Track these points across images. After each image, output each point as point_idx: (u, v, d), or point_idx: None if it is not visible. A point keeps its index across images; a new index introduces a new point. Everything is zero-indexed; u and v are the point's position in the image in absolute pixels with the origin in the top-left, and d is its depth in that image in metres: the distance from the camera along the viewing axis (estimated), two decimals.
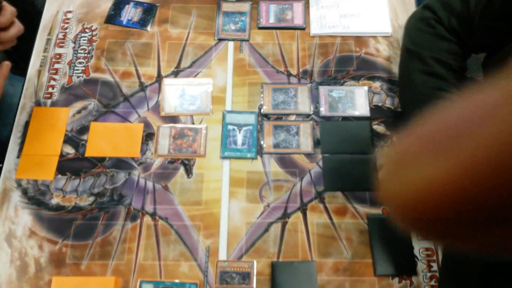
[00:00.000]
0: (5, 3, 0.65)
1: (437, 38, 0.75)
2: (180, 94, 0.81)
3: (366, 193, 0.73)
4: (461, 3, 0.73)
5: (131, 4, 0.90)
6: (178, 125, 0.78)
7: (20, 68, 0.87)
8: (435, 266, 0.68)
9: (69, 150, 0.76)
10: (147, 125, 0.78)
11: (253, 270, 0.67)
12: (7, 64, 0.65)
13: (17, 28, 0.68)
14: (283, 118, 0.79)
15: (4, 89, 0.94)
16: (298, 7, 0.89)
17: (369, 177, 0.74)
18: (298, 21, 0.88)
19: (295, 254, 0.69)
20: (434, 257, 0.68)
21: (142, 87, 0.82)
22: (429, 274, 0.67)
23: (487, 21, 0.71)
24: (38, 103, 0.80)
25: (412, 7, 0.89)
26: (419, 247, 0.69)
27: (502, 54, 0.70)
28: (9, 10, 0.66)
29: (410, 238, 0.70)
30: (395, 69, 0.83)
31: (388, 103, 0.81)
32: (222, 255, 0.69)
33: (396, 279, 0.67)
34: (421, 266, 0.68)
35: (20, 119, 0.79)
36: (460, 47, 0.75)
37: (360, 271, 0.68)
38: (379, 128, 0.78)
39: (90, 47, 0.85)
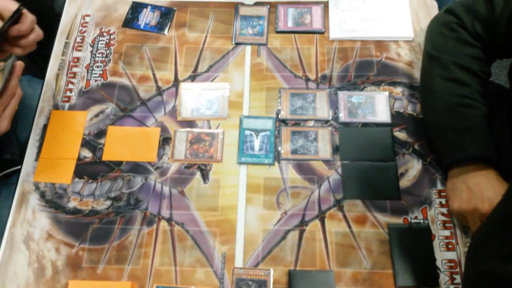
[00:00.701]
0: (25, 11, 0.66)
1: (460, 43, 0.73)
2: (197, 99, 0.81)
3: (387, 201, 0.71)
4: (486, 7, 0.71)
5: (149, 8, 0.90)
6: (195, 130, 0.78)
7: (42, 70, 0.88)
8: (458, 278, 0.66)
9: (87, 154, 0.76)
10: (164, 129, 0.78)
11: (270, 278, 0.66)
12: (20, 64, 0.66)
13: (36, 33, 0.68)
14: (301, 123, 0.78)
15: (24, 91, 0.95)
16: (317, 11, 0.88)
17: (390, 185, 0.72)
18: (317, 25, 0.87)
19: (313, 263, 0.67)
20: (457, 269, 0.66)
21: (159, 91, 0.82)
22: (452, 287, 0.65)
23: None
24: (56, 107, 0.81)
25: (434, 11, 0.87)
26: (441, 258, 0.67)
27: None
28: (29, 18, 0.66)
29: (432, 249, 0.68)
30: (417, 74, 0.81)
31: (410, 109, 0.79)
32: (238, 262, 0.68)
33: None
34: (443, 278, 0.66)
35: (38, 122, 0.79)
36: (483, 52, 0.73)
37: (380, 282, 0.66)
38: (400, 135, 0.77)
39: (107, 51, 0.86)
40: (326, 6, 0.89)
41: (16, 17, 0.64)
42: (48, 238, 0.70)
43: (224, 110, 0.79)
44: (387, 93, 0.80)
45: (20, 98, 0.67)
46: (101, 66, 0.84)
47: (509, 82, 0.75)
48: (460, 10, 0.74)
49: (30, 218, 0.72)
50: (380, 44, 0.85)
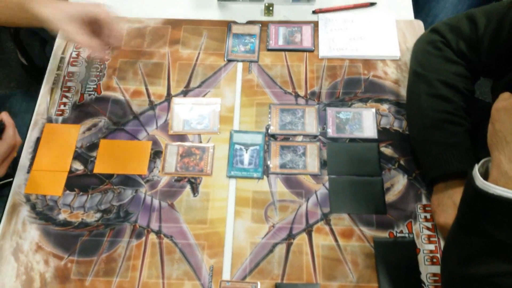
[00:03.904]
0: (6, 122, 0.68)
1: (444, 61, 0.75)
2: (188, 113, 0.82)
3: (373, 215, 0.72)
4: (470, 27, 0.74)
5: None
6: (186, 144, 0.79)
7: (37, 84, 0.89)
8: None
9: (78, 167, 0.77)
10: (155, 143, 0.79)
11: None
12: (5, 114, 0.68)
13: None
14: (290, 138, 0.79)
15: (19, 104, 0.97)
16: (307, 30, 0.91)
17: (377, 199, 0.73)
18: (307, 43, 0.89)
19: (300, 276, 0.68)
20: None
21: (152, 106, 0.83)
22: None
23: (495, 45, 0.71)
24: (49, 120, 0.82)
25: (421, 31, 0.90)
26: (426, 272, 0.68)
27: (510, 78, 0.70)
28: (10, 132, 0.68)
29: (417, 262, 0.68)
30: (403, 92, 0.83)
31: (396, 125, 0.80)
32: (226, 275, 0.68)
33: None
34: None
35: (31, 135, 0.81)
36: (468, 70, 0.75)
37: None
38: (386, 150, 0.78)
39: (102, 66, 0.87)
40: (316, 25, 0.91)
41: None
42: (37, 250, 0.70)
43: (215, 124, 0.81)
44: (374, 109, 0.81)
45: (18, 146, 0.70)
46: (95, 81, 0.86)
47: (492, 98, 0.77)
48: (444, 29, 0.77)
49: (20, 230, 0.72)
50: (368, 63, 0.87)
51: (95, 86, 0.85)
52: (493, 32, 0.71)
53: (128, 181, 0.76)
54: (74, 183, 0.76)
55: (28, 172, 0.77)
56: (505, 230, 0.47)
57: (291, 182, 0.75)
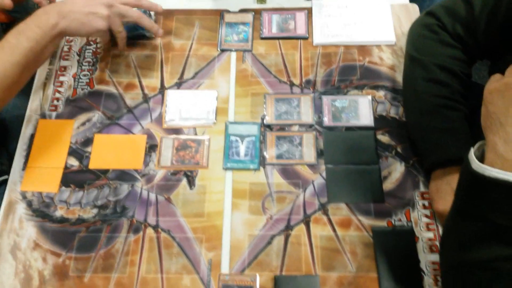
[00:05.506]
0: None
1: (441, 45, 0.74)
2: (183, 105, 0.81)
3: (371, 204, 0.72)
4: (466, 9, 0.72)
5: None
6: (181, 137, 0.78)
7: (29, 80, 0.88)
8: None
9: (74, 162, 0.77)
10: (150, 136, 0.78)
11: (256, 284, 0.66)
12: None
13: None
14: (286, 128, 0.78)
15: (12, 101, 0.96)
16: (301, 17, 0.89)
17: (374, 188, 0.73)
18: (301, 31, 0.87)
19: (298, 268, 0.68)
20: None
21: (146, 99, 0.82)
22: None
23: (492, 26, 0.70)
24: (43, 116, 0.81)
25: (416, 15, 0.88)
26: (425, 260, 0.68)
27: (507, 61, 0.69)
28: None
29: (416, 251, 0.68)
30: (399, 78, 0.82)
31: (392, 112, 0.79)
32: (225, 268, 0.68)
33: None
34: (427, 280, 0.66)
35: (25, 131, 0.80)
36: (464, 53, 0.74)
37: (365, 285, 0.66)
38: (383, 138, 0.77)
39: (94, 60, 0.86)
40: (309, 12, 0.90)
41: None
42: (35, 248, 0.70)
43: (210, 116, 0.80)
44: (370, 96, 0.80)
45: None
46: (87, 75, 0.85)
47: None
48: (440, 12, 0.75)
49: (17, 227, 0.72)
50: (363, 49, 0.85)
51: (87, 80, 0.84)
52: (490, 13, 0.69)
53: (124, 175, 0.75)
54: (70, 179, 0.75)
55: (24, 169, 0.76)
56: (503, 213, 0.47)
57: (288, 173, 0.75)
